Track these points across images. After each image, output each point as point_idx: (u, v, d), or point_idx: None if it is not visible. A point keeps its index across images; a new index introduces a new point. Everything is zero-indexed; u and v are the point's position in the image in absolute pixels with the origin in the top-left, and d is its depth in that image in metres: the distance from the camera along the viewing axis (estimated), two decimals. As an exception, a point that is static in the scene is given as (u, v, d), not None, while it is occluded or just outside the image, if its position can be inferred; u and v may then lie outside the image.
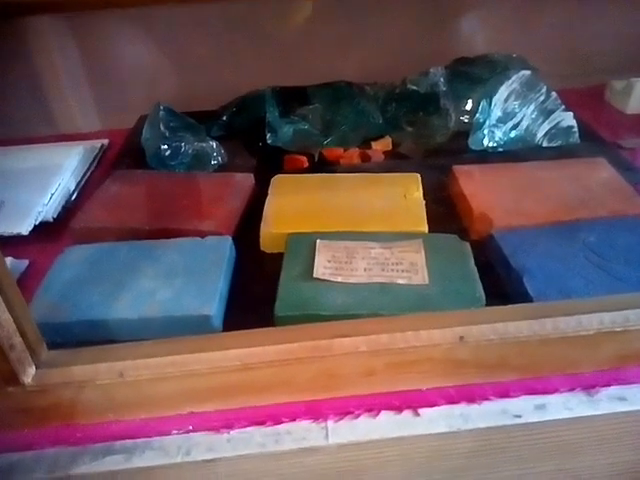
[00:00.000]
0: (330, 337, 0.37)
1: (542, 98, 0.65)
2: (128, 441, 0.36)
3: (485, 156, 0.63)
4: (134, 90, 0.81)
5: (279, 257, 0.48)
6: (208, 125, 0.72)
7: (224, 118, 0.73)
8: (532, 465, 0.40)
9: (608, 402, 0.37)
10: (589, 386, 0.37)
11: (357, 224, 0.52)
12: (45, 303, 0.44)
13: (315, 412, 0.37)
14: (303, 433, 0.36)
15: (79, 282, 0.46)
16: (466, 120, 0.67)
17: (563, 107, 0.65)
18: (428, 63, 0.72)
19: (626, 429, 0.38)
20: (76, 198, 0.63)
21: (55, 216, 0.58)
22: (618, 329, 0.37)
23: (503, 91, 0.63)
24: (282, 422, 0.36)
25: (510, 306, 0.39)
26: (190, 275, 0.45)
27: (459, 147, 0.66)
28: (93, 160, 0.70)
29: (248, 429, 0.36)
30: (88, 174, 0.68)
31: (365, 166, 0.65)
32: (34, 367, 0.35)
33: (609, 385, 0.38)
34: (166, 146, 0.62)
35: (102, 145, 0.74)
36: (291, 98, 0.72)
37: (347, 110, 0.70)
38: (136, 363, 0.35)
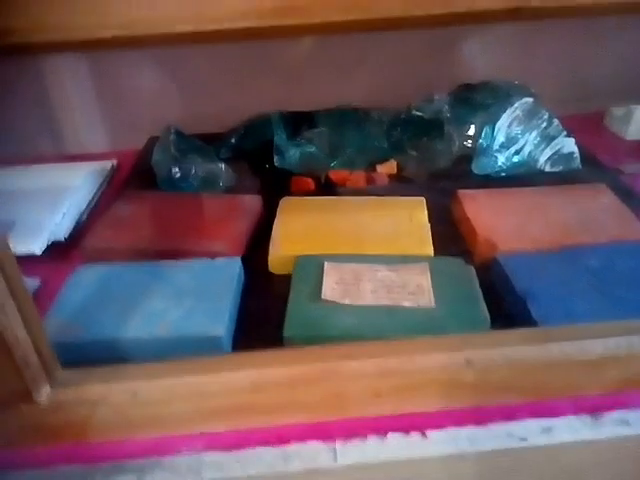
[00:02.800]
0: (338, 359, 0.37)
1: (544, 124, 0.66)
2: (139, 460, 0.36)
3: (488, 181, 0.65)
4: (142, 112, 0.82)
5: (287, 278, 0.49)
6: (217, 147, 0.73)
7: (232, 141, 0.74)
8: (538, 488, 0.40)
9: (612, 426, 0.37)
10: (594, 409, 0.38)
11: (364, 246, 0.53)
12: (57, 322, 0.45)
13: (324, 433, 0.37)
14: (312, 454, 0.36)
15: (91, 302, 0.47)
16: (469, 145, 0.68)
17: (565, 133, 0.67)
18: (432, 88, 0.74)
19: (630, 453, 0.38)
20: (87, 218, 0.64)
21: (67, 236, 0.59)
22: (622, 354, 0.38)
23: (506, 117, 0.65)
24: (291, 443, 0.37)
25: (517, 330, 0.40)
26: (200, 296, 0.46)
27: (463, 172, 0.67)
28: (103, 180, 0.72)
29: (257, 449, 0.37)
30: (98, 194, 0.69)
31: (370, 189, 0.67)
32: (48, 386, 0.36)
33: (613, 409, 0.38)
34: (177, 168, 0.64)
35: (112, 166, 0.75)
36: (298, 122, 0.73)
37: (353, 134, 0.71)
38: (149, 383, 0.36)
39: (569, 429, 0.37)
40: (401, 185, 0.68)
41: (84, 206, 0.65)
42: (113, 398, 0.36)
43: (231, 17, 0.25)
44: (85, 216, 0.64)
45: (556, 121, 0.66)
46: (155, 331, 0.43)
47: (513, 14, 0.23)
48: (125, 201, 0.61)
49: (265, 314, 0.47)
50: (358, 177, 0.68)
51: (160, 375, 0.36)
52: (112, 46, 0.26)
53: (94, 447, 0.37)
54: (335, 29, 0.25)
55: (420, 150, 0.69)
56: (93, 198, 0.67)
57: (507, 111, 0.65)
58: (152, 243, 0.54)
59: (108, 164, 0.75)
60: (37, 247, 0.55)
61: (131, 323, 0.44)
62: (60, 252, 0.57)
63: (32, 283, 0.52)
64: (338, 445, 0.37)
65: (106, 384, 0.36)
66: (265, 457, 0.36)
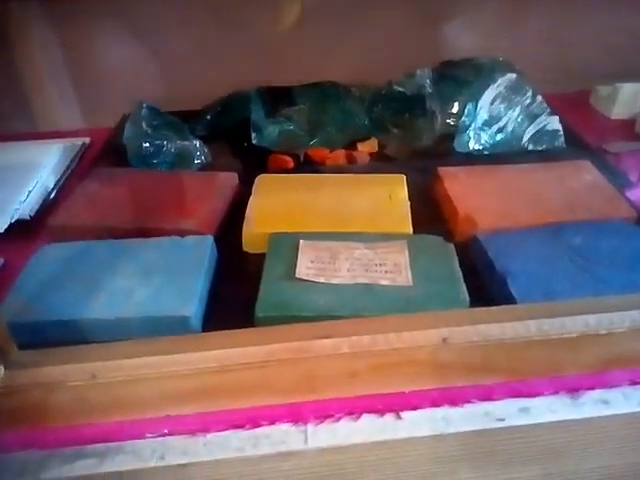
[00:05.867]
0: (311, 338, 0.36)
1: (528, 101, 0.65)
2: (100, 445, 0.34)
3: (471, 158, 0.63)
4: (117, 88, 0.80)
5: (262, 257, 0.47)
6: (192, 124, 0.71)
7: (208, 117, 0.72)
8: (518, 469, 0.39)
9: (592, 405, 0.36)
10: (573, 389, 0.37)
11: (341, 224, 0.51)
12: (19, 302, 0.43)
13: (295, 415, 0.36)
14: (282, 437, 0.35)
15: (54, 281, 0.45)
16: (452, 123, 0.67)
17: (549, 111, 0.65)
18: (415, 65, 0.72)
19: (610, 433, 0.37)
20: (55, 196, 0.61)
21: (32, 214, 0.56)
22: (602, 332, 0.37)
23: (489, 94, 0.63)
24: (261, 425, 0.35)
25: (494, 308, 0.38)
26: (169, 275, 0.44)
27: (445, 149, 0.66)
28: (74, 158, 0.69)
29: (225, 432, 0.35)
30: (68, 172, 0.66)
31: (350, 167, 0.65)
32: (3, 368, 0.34)
33: (593, 388, 0.37)
34: (148, 144, 0.61)
35: (83, 143, 0.73)
36: (277, 98, 0.71)
37: (333, 111, 0.70)
38: (109, 364, 0.34)
39: (548, 409, 0.36)
40: (382, 164, 0.66)
41: (52, 184, 0.62)
42: (71, 380, 0.34)
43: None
44: (53, 194, 0.61)
45: (540, 98, 0.65)
46: (121, 311, 0.41)
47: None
48: (94, 179, 0.59)
49: (238, 294, 0.45)
50: (338, 155, 0.66)
51: (121, 356, 0.35)
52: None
53: (52, 431, 0.35)
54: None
55: (402, 128, 0.68)
56: (62, 176, 0.65)
57: (490, 88, 0.63)
58: (121, 221, 0.52)
59: (79, 142, 0.73)
60: (0, 225, 0.53)
61: (96, 303, 0.42)
62: (26, 231, 0.55)
63: (-6, 262, 0.50)
64: (310, 427, 0.35)
65: (64, 366, 0.34)
66: (233, 441, 0.35)
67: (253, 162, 0.66)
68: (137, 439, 0.35)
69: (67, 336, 0.40)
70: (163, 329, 0.40)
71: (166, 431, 0.35)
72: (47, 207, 0.58)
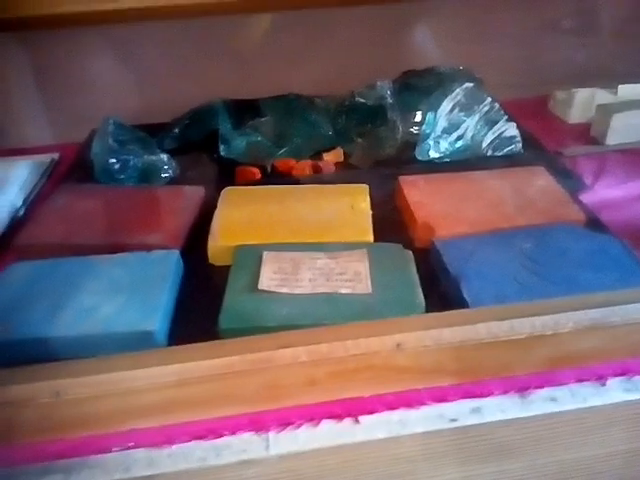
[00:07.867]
0: (270, 348, 0.37)
1: (486, 109, 0.67)
2: (66, 460, 0.35)
3: (432, 166, 0.65)
4: (87, 103, 0.80)
5: (227, 270, 0.49)
6: (160, 138, 0.72)
7: (176, 131, 0.73)
8: (473, 467, 0.41)
9: (540, 403, 0.38)
10: (522, 388, 0.39)
11: (305, 235, 0.52)
12: (-15, 322, 0.43)
13: (257, 424, 0.37)
14: (244, 445, 0.36)
15: (21, 300, 0.45)
16: (414, 131, 0.69)
17: (506, 117, 0.68)
18: (380, 75, 0.74)
19: (558, 429, 0.39)
20: (23, 214, 0.62)
21: (0, 232, 0.57)
22: (549, 332, 0.39)
23: (448, 103, 0.65)
24: (223, 435, 0.37)
25: (445, 313, 0.40)
26: (134, 290, 0.45)
27: (408, 158, 0.67)
28: (42, 175, 0.69)
29: (189, 444, 0.36)
30: (37, 189, 0.67)
31: (316, 177, 0.66)
32: (-32, 388, 0.35)
33: (541, 387, 0.39)
34: (115, 160, 0.62)
35: (52, 159, 0.73)
36: (243, 110, 0.73)
37: (299, 122, 0.71)
38: (74, 381, 0.35)
39: (498, 409, 0.38)
40: (347, 173, 0.67)
41: (21, 202, 0.63)
42: (37, 398, 0.35)
43: None
44: (22, 212, 0.62)
45: (497, 105, 0.67)
46: (86, 328, 0.42)
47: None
48: (61, 195, 0.59)
49: (203, 307, 0.46)
50: (304, 166, 0.68)
51: (86, 372, 0.35)
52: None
53: (19, 449, 0.36)
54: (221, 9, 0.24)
55: (365, 137, 0.69)
56: (31, 193, 0.65)
57: (448, 97, 0.65)
58: (88, 238, 0.53)
59: (48, 158, 0.73)
60: (-34, 245, 0.53)
61: (62, 321, 0.43)
62: (-6, 249, 0.55)
63: (-39, 282, 0.50)
64: (271, 435, 0.37)
65: (30, 384, 0.35)
66: (197, 451, 0.36)
67: (222, 174, 0.67)
68: (103, 453, 0.36)
69: (33, 354, 0.41)
70: (129, 344, 0.41)
71: (131, 444, 0.36)
72: (15, 225, 0.59)
